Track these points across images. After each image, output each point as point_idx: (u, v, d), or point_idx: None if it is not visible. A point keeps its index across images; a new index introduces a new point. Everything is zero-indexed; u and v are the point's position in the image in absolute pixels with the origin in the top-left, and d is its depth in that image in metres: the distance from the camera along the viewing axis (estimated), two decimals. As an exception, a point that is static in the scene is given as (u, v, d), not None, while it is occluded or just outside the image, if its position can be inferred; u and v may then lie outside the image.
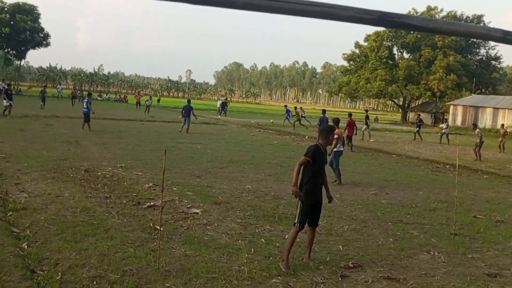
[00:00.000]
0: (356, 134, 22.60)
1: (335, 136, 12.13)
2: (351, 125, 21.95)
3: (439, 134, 30.84)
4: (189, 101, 26.37)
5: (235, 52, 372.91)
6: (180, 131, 23.63)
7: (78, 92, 45.75)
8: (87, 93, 27.76)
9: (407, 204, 10.75)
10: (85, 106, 22.77)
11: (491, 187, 14.26)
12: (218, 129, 29.13)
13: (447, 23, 2.53)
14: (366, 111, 31.90)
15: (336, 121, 13.04)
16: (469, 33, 2.77)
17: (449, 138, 29.83)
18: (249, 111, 65.58)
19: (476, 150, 21.25)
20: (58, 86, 65.03)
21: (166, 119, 33.51)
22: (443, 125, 27.83)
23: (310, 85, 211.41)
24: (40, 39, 66.46)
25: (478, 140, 21.36)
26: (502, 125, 28.31)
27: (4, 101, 26.15)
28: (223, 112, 45.67)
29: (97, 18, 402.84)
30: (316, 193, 6.41)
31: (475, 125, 24.16)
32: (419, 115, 33.93)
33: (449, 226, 8.70)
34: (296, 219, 6.29)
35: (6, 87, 28.20)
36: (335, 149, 12.88)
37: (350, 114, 22.86)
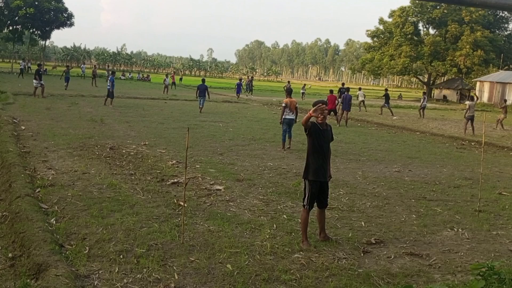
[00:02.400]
0: (336, 107, 22.76)
1: (283, 105, 14.14)
2: (331, 100, 22.16)
3: (419, 109, 30.13)
4: (203, 80, 26.21)
5: (257, 30, 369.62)
6: (200, 112, 23.47)
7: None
8: (111, 71, 28.10)
9: (431, 181, 10.65)
10: (109, 84, 24.12)
11: (517, 164, 13.99)
12: (240, 108, 29.13)
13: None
14: (386, 89, 32.01)
15: (289, 91, 15.04)
16: (501, 5, 2.70)
17: (424, 112, 29.45)
18: (271, 89, 65.28)
19: (465, 123, 21.37)
20: (82, 65, 65.61)
21: (188, 98, 33.63)
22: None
23: (332, 62, 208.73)
24: (64, 19, 66.81)
25: (466, 113, 21.39)
26: (505, 100, 27.52)
27: (35, 81, 26.13)
28: (248, 90, 45.29)
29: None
30: (319, 172, 6.30)
31: (471, 97, 23.81)
32: (386, 89, 33.02)
33: (473, 203, 8.61)
34: (305, 200, 6.26)
35: (37, 67, 28.11)
36: (285, 116, 13.87)
37: (331, 91, 23.64)
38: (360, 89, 34.48)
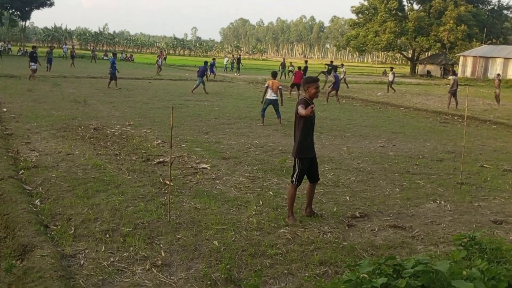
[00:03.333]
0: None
1: (266, 85, 14.82)
2: (298, 75, 23.70)
3: (387, 85, 30.24)
4: (205, 63, 26.07)
5: (241, 8, 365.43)
6: (206, 93, 23.18)
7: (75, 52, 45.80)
8: (112, 53, 27.66)
9: (414, 155, 10.78)
10: (111, 68, 23.64)
11: (499, 137, 14.22)
12: (225, 86, 28.99)
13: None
14: (331, 61, 33.83)
15: (273, 74, 15.67)
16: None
17: (393, 88, 29.60)
18: (256, 67, 64.93)
19: (449, 97, 21.51)
20: (64, 46, 64.50)
21: (173, 77, 33.37)
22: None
23: (317, 39, 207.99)
24: (43, -2, 65.52)
25: (451, 88, 21.47)
26: (498, 74, 27.62)
27: (32, 64, 25.08)
28: (237, 69, 45.10)
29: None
30: (310, 149, 6.37)
31: (454, 72, 23.86)
32: (330, 62, 33.22)
33: (456, 176, 8.75)
34: (294, 177, 6.25)
35: (31, 49, 27.01)
36: (266, 97, 14.47)
37: (299, 68, 26.03)
38: (342, 65, 34.64)
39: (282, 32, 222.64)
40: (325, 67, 33.19)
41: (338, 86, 22.47)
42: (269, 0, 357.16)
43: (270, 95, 14.40)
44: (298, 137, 6.30)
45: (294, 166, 6.33)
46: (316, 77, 6.79)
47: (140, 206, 6.42)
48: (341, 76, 32.01)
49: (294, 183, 6.26)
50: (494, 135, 14.47)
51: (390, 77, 29.97)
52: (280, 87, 14.60)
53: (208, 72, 28.56)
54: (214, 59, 35.90)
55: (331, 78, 24.94)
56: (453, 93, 21.26)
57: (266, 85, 14.74)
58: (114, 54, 26.74)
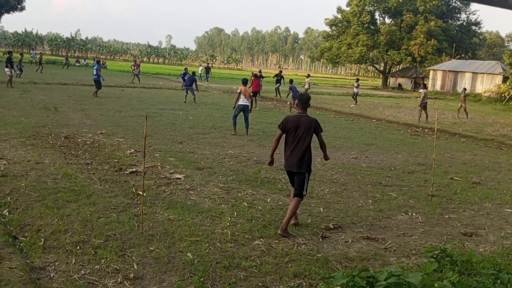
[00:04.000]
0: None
1: (238, 91, 14.87)
2: (256, 83, 24.64)
3: (352, 95, 30.52)
4: (193, 73, 26.07)
5: (217, 17, 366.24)
6: (185, 101, 23.01)
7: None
8: (96, 60, 26.99)
9: (386, 167, 10.94)
10: (95, 73, 23.15)
11: (468, 150, 14.56)
12: (200, 95, 28.88)
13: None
14: (280, 71, 33.38)
15: (244, 81, 15.31)
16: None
17: (357, 99, 29.78)
18: (231, 77, 65.01)
19: (419, 110, 21.99)
20: (31, 51, 63.18)
21: (147, 85, 33.07)
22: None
23: (292, 50, 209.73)
24: (14, 2, 64.15)
25: (421, 101, 21.90)
26: (464, 89, 28.41)
27: (6, 69, 24.54)
28: (206, 77, 45.17)
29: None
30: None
31: (424, 85, 24.44)
32: (279, 72, 33.38)
33: (426, 188, 8.91)
34: (305, 190, 6.37)
35: (7, 55, 26.35)
36: (238, 103, 14.57)
37: (254, 75, 27.28)
38: (308, 76, 35.24)
39: (257, 42, 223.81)
40: (274, 78, 33.29)
41: (296, 96, 22.78)
42: (244, 10, 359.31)
43: (242, 101, 14.58)
44: (309, 152, 6.41)
45: (307, 181, 6.39)
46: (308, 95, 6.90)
47: (112, 217, 6.31)
48: (306, 86, 32.48)
49: (304, 196, 6.40)
50: (463, 148, 14.82)
51: (355, 89, 30.38)
52: (251, 94, 14.83)
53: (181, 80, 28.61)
54: (186, 68, 35.74)
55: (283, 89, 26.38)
56: (424, 106, 21.71)
57: (238, 91, 14.86)
58: (98, 61, 25.79)
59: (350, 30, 66.27)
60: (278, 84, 31.34)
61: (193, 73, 26.54)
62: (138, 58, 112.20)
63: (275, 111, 22.60)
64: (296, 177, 6.40)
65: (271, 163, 6.88)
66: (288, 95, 24.64)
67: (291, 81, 24.30)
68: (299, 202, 6.36)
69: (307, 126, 6.39)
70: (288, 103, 23.62)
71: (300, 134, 6.37)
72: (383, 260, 5.53)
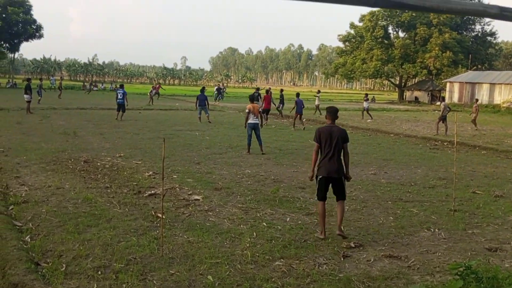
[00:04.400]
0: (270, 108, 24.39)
1: (246, 111, 14.92)
2: (268, 100, 23.96)
3: (362, 110, 30.30)
4: (203, 90, 25.73)
5: (230, 37, 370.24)
6: (200, 123, 23.27)
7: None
8: (119, 84, 27.71)
9: (406, 182, 10.81)
10: (120, 97, 23.62)
11: (489, 162, 14.32)
12: (216, 115, 29.07)
13: (443, 1, 2.51)
14: (281, 90, 31.15)
15: (251, 97, 15.59)
16: (466, 11, 2.76)
17: (370, 113, 29.50)
18: (246, 96, 65.34)
19: (437, 123, 21.95)
20: (51, 77, 64.56)
21: (163, 107, 33.43)
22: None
23: (306, 67, 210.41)
24: (33, 31, 65.89)
25: (440, 113, 21.91)
26: (476, 100, 28.24)
27: (26, 96, 25.02)
28: (219, 97, 45.48)
29: (89, 7, 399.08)
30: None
31: (442, 98, 24.36)
32: (281, 90, 31.82)
33: (448, 203, 8.76)
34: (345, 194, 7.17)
35: (27, 82, 26.85)
36: (248, 121, 14.58)
37: (267, 91, 25.41)
38: (318, 92, 34.96)
39: (271, 60, 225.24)
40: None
41: (300, 111, 22.77)
42: (257, 29, 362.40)
43: (252, 119, 14.57)
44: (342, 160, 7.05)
45: (343, 184, 7.05)
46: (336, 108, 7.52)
47: (132, 241, 6.32)
48: (316, 103, 32.16)
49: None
50: (484, 161, 14.58)
51: (365, 104, 30.26)
52: (260, 110, 15.05)
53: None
54: (203, 87, 36.08)
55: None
56: (443, 119, 21.51)
57: (247, 110, 14.80)
58: (122, 86, 26.18)
59: (364, 45, 66.38)
60: (281, 105, 28.80)
61: (202, 89, 26.09)
62: (155, 80, 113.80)
63: (290, 128, 22.53)
64: (335, 183, 6.99)
65: (312, 177, 7.23)
66: (292, 109, 23.90)
67: (297, 94, 23.90)
68: (344, 203, 7.11)
69: (339, 135, 7.00)
70: (292, 120, 23.17)
71: (335, 143, 6.96)
72: (406, 278, 5.42)
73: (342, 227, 6.83)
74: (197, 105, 24.12)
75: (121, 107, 23.60)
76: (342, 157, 7.00)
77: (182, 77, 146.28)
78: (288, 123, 25.35)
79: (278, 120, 27.29)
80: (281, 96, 28.92)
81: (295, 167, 12.26)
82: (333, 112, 7.23)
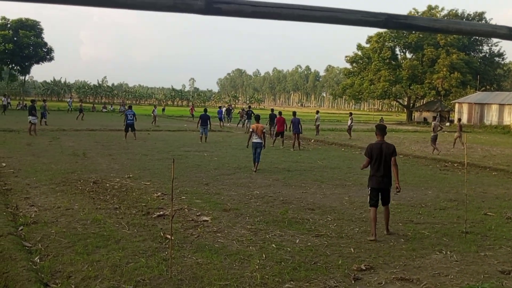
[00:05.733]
0: (286, 130, 23.33)
1: (250, 130, 15.83)
2: (281, 122, 23.15)
3: (347, 129, 30.48)
4: (205, 110, 25.96)
5: (238, 59, 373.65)
6: (200, 142, 23.47)
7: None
8: (128, 106, 29.57)
9: (417, 204, 10.71)
10: (130, 118, 24.49)
11: (500, 183, 14.18)
12: (224, 136, 29.18)
13: (452, 23, 2.54)
14: (272, 110, 30.63)
15: (257, 117, 16.29)
16: (475, 32, 2.78)
17: (351, 132, 29.79)
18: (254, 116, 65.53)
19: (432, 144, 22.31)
20: (68, 99, 65.28)
21: (172, 128, 33.63)
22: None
23: (313, 88, 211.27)
24: (43, 54, 66.82)
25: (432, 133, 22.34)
26: (459, 119, 28.53)
27: (32, 117, 25.03)
28: (228, 118, 45.60)
29: (99, 31, 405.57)
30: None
31: (434, 117, 24.56)
32: (272, 109, 30.94)
33: (460, 225, 8.66)
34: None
35: (30, 103, 27.36)
36: (252, 141, 15.21)
37: (280, 113, 24.28)
38: (317, 112, 34.22)
39: (279, 81, 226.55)
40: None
41: (298, 130, 22.50)
42: (265, 51, 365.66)
43: (255, 139, 15.12)
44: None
45: (389, 192, 8.10)
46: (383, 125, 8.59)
47: (141, 262, 6.29)
48: (317, 123, 31.84)
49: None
50: (495, 182, 14.45)
51: (349, 122, 30.39)
52: (264, 130, 15.49)
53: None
54: (220, 107, 36.41)
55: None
56: (433, 139, 22.03)
57: (251, 129, 15.60)
58: (130, 107, 27.76)
59: (371, 66, 66.69)
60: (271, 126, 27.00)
61: (205, 110, 26.37)
62: (163, 102, 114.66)
63: (296, 149, 22.50)
64: (383, 193, 8.01)
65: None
66: (289, 127, 23.01)
67: (293, 113, 23.57)
68: (389, 207, 8.21)
69: (388, 151, 7.97)
70: (292, 141, 22.73)
71: (384, 159, 7.91)
72: (419, 302, 5.33)
73: (388, 227, 8.07)
74: (199, 124, 24.48)
75: (130, 127, 24.20)
76: (391, 169, 7.97)
77: (191, 99, 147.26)
78: (296, 144, 25.32)
79: (286, 140, 27.28)
80: (270, 116, 28.10)
81: (303, 188, 12.20)
82: (382, 129, 8.23)
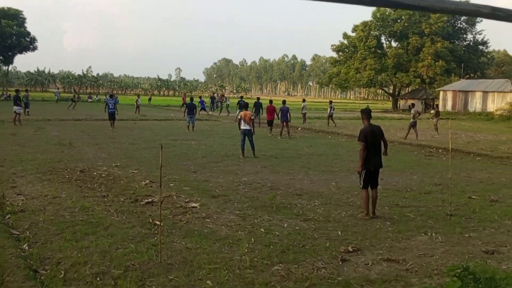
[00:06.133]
0: (274, 119, 23.62)
1: (238, 117, 16.18)
2: (271, 110, 23.44)
3: (327, 117, 31.05)
4: (191, 99, 26.53)
5: (224, 48, 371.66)
6: (187, 131, 23.49)
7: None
8: (109, 94, 30.39)
9: (402, 188, 10.87)
10: (111, 107, 24.78)
11: (484, 168, 14.42)
12: (211, 125, 29.13)
13: (437, 1, 2.58)
14: (258, 98, 31.01)
15: (244, 104, 17.11)
16: (459, 10, 2.82)
17: (334, 120, 30.44)
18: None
19: (408, 128, 23.02)
20: (56, 90, 64.13)
21: (158, 117, 33.45)
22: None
23: (300, 77, 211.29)
24: (27, 43, 65.88)
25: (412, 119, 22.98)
26: (436, 105, 29.41)
27: (16, 107, 24.75)
28: (219, 107, 45.20)
29: (83, 21, 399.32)
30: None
31: (413, 104, 25.34)
32: (258, 98, 31.59)
33: (444, 208, 8.81)
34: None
35: (15, 93, 26.98)
36: (241, 128, 15.56)
37: (270, 101, 24.54)
38: (303, 100, 34.19)
39: (265, 71, 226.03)
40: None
41: (286, 119, 22.56)
42: (251, 40, 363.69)
43: (243, 126, 15.39)
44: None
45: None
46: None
47: (130, 248, 6.32)
48: (303, 111, 31.74)
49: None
50: (479, 167, 14.68)
51: (330, 110, 30.70)
52: (252, 117, 15.79)
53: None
54: (191, 97, 35.77)
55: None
56: (412, 125, 22.59)
57: (239, 117, 15.94)
58: (112, 95, 28.49)
59: (357, 54, 66.85)
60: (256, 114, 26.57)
61: (191, 99, 26.90)
62: (149, 91, 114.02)
63: (286, 137, 22.55)
64: (376, 174, 8.36)
65: (361, 171, 8.27)
66: (278, 114, 23.14)
67: (283, 102, 23.61)
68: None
69: (379, 133, 8.39)
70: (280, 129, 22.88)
71: (378, 140, 8.33)
72: (405, 281, 5.45)
73: (375, 211, 8.28)
74: (186, 113, 24.59)
75: (111, 116, 24.44)
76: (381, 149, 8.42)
77: (177, 88, 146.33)
78: (283, 132, 25.39)
79: (274, 129, 27.32)
80: (255, 104, 28.29)
81: (291, 175, 12.29)
82: (368, 113, 8.58)
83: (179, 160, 14.27)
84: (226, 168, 13.12)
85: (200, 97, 43.28)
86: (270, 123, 23.56)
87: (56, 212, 8.06)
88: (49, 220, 7.54)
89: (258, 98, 30.16)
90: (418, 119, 23.33)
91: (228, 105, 43.45)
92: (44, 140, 18.23)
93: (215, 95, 53.26)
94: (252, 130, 15.48)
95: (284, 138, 21.59)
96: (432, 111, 23.91)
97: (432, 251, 6.55)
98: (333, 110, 31.19)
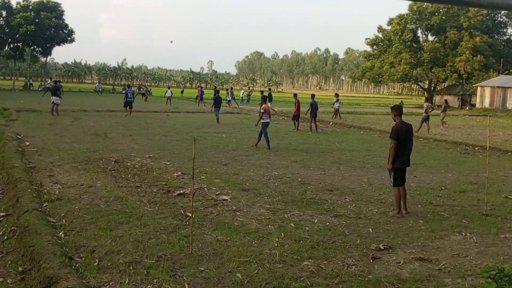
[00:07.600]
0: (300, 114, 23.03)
1: (262, 111, 16.32)
2: (297, 105, 22.93)
3: (334, 111, 31.09)
4: (217, 92, 26.68)
5: (256, 41, 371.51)
6: (218, 124, 23.82)
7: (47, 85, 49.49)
8: (127, 85, 35.06)
9: (436, 186, 10.65)
10: (129, 96, 27.51)
11: (522, 167, 13.98)
12: (242, 118, 29.21)
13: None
14: (269, 89, 30.64)
15: (264, 97, 17.42)
16: (507, 5, 2.73)
17: (340, 114, 30.74)
18: (278, 99, 65.30)
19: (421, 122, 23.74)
20: (97, 84, 65.07)
21: (190, 110, 33.76)
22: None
23: (332, 71, 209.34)
24: (64, 35, 67.29)
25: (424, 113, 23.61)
26: (445, 100, 30.05)
27: (55, 98, 25.51)
28: (247, 101, 45.45)
29: (119, 13, 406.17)
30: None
31: (427, 99, 25.25)
32: (269, 89, 31.49)
33: (480, 207, 8.60)
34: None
35: (52, 84, 28.79)
36: (262, 121, 16.06)
37: (295, 95, 24.09)
38: (336, 95, 33.01)
39: (297, 64, 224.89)
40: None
41: (315, 114, 22.36)
42: (283, 33, 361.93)
43: (267, 119, 16.14)
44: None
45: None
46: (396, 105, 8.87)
47: (162, 238, 6.42)
48: (335, 106, 31.32)
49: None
50: (517, 166, 14.24)
51: (336, 105, 30.57)
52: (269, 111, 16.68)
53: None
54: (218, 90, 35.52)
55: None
56: (425, 119, 23.12)
57: (262, 110, 16.37)
58: (129, 86, 32.12)
59: (392, 48, 65.71)
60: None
61: (217, 91, 27.58)
62: (182, 83, 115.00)
63: (308, 132, 22.42)
64: (405, 172, 8.28)
65: (391, 168, 8.17)
66: (307, 111, 22.67)
67: (312, 96, 23.29)
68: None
69: (411, 130, 8.30)
70: (309, 123, 22.59)
71: (410, 138, 8.27)
72: (437, 281, 5.35)
73: (406, 207, 8.26)
74: (214, 107, 24.96)
75: (129, 104, 27.14)
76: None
77: (209, 81, 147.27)
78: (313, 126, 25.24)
79: (304, 123, 27.20)
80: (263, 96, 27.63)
81: (322, 170, 12.22)
82: (399, 109, 8.45)
83: (210, 152, 14.39)
84: (256, 161, 13.15)
85: (227, 89, 43.61)
86: (297, 117, 22.95)
87: (91, 201, 8.26)
88: (85, 208, 7.74)
89: (313, 96, 24.50)
90: (430, 113, 23.71)
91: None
92: (81, 130, 18.67)
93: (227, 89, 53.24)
94: (257, 121, 16.58)
95: (314, 133, 21.45)
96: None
97: (466, 251, 6.41)
98: (339, 103, 31.18)
